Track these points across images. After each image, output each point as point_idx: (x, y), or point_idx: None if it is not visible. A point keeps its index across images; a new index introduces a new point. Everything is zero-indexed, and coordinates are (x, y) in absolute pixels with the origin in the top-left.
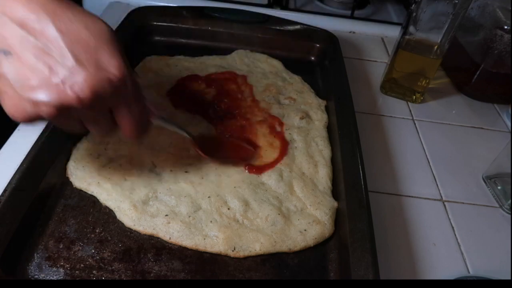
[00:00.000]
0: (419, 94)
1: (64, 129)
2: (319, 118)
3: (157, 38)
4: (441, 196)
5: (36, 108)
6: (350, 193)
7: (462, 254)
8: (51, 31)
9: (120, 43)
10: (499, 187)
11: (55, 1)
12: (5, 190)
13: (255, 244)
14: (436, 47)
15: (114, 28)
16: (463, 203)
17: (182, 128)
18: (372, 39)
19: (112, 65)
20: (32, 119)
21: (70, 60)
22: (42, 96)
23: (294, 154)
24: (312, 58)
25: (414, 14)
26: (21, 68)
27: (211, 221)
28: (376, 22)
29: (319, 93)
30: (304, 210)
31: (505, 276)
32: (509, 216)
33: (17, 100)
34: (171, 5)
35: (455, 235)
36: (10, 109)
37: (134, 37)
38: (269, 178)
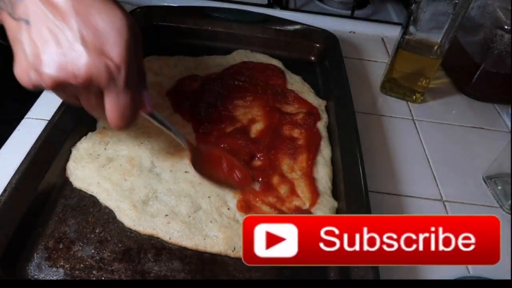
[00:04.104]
0: (419, 94)
1: (64, 100)
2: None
3: (157, 38)
4: (441, 196)
5: (39, 78)
6: (350, 193)
7: None
8: (68, 12)
9: (134, 35)
10: (499, 187)
11: None
12: (5, 190)
13: None
14: (436, 47)
15: None
16: (463, 203)
17: (179, 134)
18: (372, 39)
19: (114, 53)
20: (34, 86)
21: (78, 42)
22: (46, 69)
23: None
24: (312, 58)
25: (414, 14)
26: (35, 39)
27: (211, 221)
28: (376, 22)
29: (319, 93)
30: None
31: (505, 276)
32: (509, 216)
33: (26, 65)
34: (171, 5)
35: None
36: (19, 73)
37: None
38: None
